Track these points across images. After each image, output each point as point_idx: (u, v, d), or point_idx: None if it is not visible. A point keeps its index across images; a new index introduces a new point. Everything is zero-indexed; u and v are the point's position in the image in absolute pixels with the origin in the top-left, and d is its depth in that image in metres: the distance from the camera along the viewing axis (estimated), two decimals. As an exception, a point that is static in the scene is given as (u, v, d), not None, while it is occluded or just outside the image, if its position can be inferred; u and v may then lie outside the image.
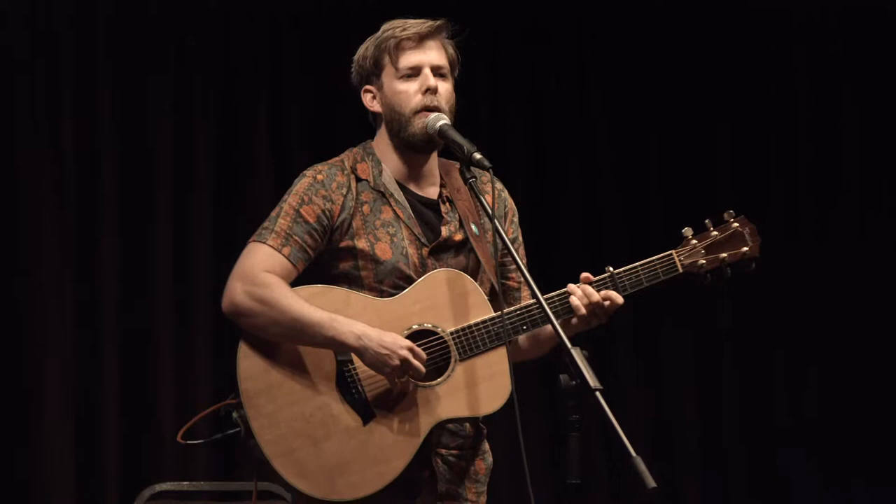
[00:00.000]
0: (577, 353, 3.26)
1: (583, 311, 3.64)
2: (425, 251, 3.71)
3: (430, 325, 3.65)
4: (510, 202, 3.84)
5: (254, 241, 3.67)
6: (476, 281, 3.71)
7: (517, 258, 3.48)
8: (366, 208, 3.70)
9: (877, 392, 6.51)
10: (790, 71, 6.64)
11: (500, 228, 3.57)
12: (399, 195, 3.73)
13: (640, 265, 3.73)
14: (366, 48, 3.76)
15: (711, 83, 6.56)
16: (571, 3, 6.47)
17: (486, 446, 3.81)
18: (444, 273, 3.69)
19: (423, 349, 3.60)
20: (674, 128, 6.55)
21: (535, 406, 6.09)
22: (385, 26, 3.75)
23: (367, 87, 3.77)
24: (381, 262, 3.67)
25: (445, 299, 3.66)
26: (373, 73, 3.74)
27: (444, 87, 3.72)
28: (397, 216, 3.71)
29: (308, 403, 3.60)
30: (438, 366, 3.64)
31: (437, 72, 3.72)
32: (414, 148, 3.72)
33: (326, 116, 5.94)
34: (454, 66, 3.77)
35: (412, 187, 3.76)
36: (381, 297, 3.66)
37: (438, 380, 3.64)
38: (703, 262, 3.76)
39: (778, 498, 6.53)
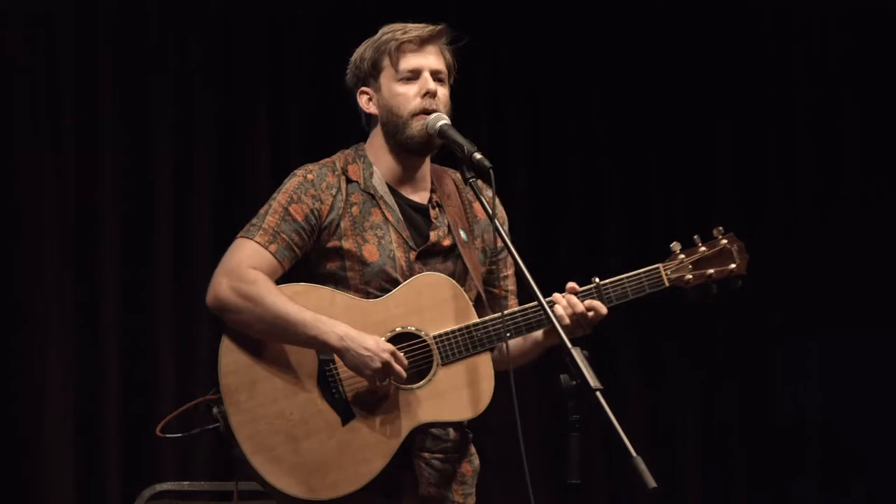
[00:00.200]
0: (577, 353, 3.27)
1: (566, 320, 3.64)
2: (413, 255, 3.71)
3: (413, 329, 3.66)
4: (501, 210, 3.83)
5: (241, 236, 3.68)
6: (462, 287, 3.71)
7: (517, 259, 3.48)
8: (355, 210, 3.71)
9: (877, 392, 6.51)
10: (790, 71, 6.64)
11: (499, 228, 3.57)
12: (389, 198, 3.74)
13: (626, 277, 3.74)
14: (363, 50, 3.77)
15: (711, 83, 6.56)
16: (571, 4, 6.47)
17: (473, 449, 3.82)
18: (430, 277, 3.69)
19: (406, 352, 3.61)
20: (674, 128, 6.56)
21: (534, 406, 6.09)
22: (384, 29, 3.76)
23: (364, 88, 3.77)
24: (368, 264, 3.68)
25: (430, 303, 3.66)
26: (370, 75, 3.75)
27: (442, 92, 3.73)
28: (386, 219, 3.72)
29: (288, 401, 3.60)
30: (421, 369, 3.64)
31: (435, 76, 3.73)
32: (411, 150, 3.73)
33: (326, 116, 5.94)
34: (451, 72, 3.78)
35: (403, 191, 3.77)
36: (367, 298, 3.66)
37: (420, 383, 3.64)
38: (690, 277, 3.77)
39: (778, 498, 6.53)
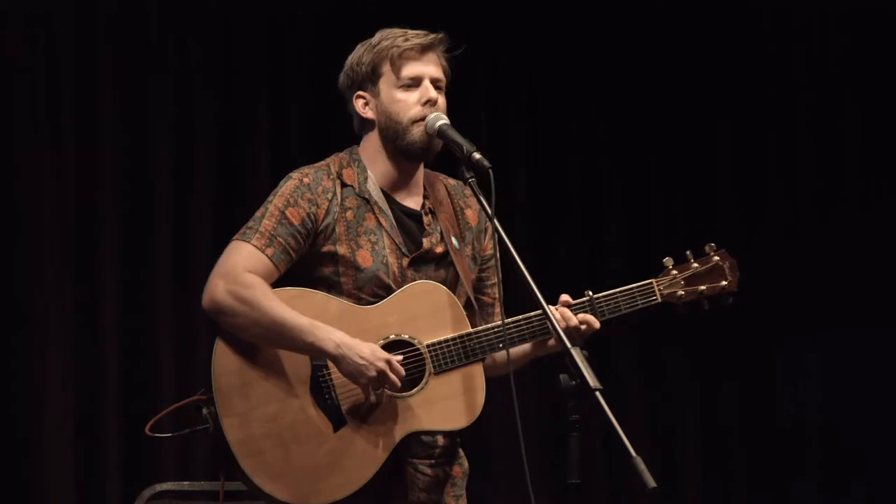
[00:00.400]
0: (577, 354, 3.27)
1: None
2: (405, 261, 3.71)
3: (406, 337, 3.66)
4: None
5: (237, 239, 3.67)
6: (454, 294, 3.71)
7: (520, 265, 3.47)
8: (349, 214, 3.70)
9: (877, 392, 6.51)
10: (790, 71, 6.64)
11: (499, 228, 3.57)
12: (383, 203, 3.74)
13: (620, 292, 3.76)
14: (360, 54, 3.76)
15: (711, 83, 6.56)
16: (571, 4, 6.47)
17: (461, 452, 3.82)
18: (425, 285, 3.69)
19: (398, 360, 3.60)
20: (674, 128, 6.56)
21: (534, 407, 6.09)
22: (382, 34, 3.75)
23: (361, 93, 3.76)
24: (362, 270, 3.67)
25: (424, 311, 3.66)
26: (368, 80, 3.74)
27: (442, 100, 3.73)
28: (380, 224, 3.72)
29: (281, 405, 3.60)
30: (413, 377, 3.64)
31: (435, 84, 3.73)
32: (410, 156, 3.73)
33: (326, 116, 5.94)
34: (448, 79, 3.78)
35: (397, 196, 3.77)
36: (360, 304, 3.66)
37: (412, 391, 3.64)
38: (682, 293, 3.80)
39: (778, 498, 6.53)
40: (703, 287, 3.80)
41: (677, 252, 3.82)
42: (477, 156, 3.58)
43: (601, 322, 3.71)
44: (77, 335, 5.75)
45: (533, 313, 3.68)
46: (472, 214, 3.82)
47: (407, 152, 3.72)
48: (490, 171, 3.57)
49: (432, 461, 3.73)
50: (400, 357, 3.61)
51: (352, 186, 3.73)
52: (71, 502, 5.68)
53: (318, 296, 3.65)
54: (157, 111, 5.90)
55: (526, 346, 3.74)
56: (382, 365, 3.55)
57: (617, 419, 3.15)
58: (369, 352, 3.56)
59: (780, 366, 6.60)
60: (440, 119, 3.69)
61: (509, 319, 3.70)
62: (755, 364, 6.57)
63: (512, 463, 5.94)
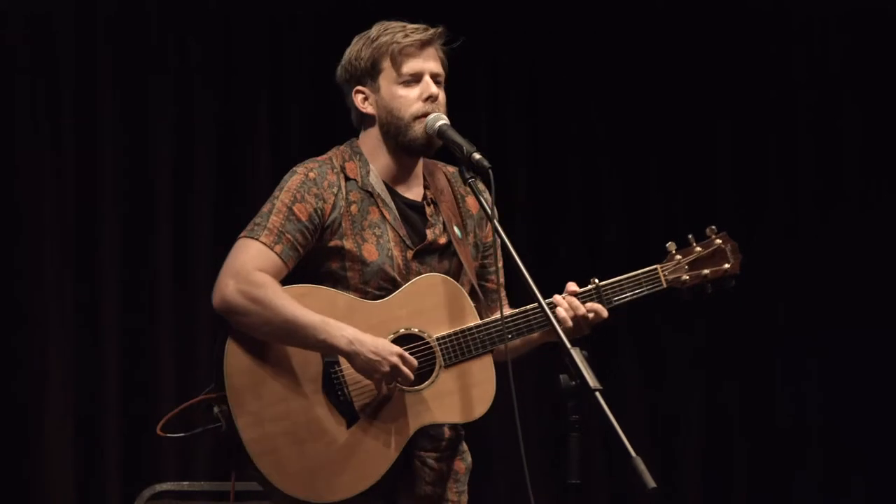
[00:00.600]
0: (576, 354, 3.27)
1: (569, 322, 3.66)
2: (410, 254, 3.71)
3: (416, 330, 3.66)
4: (494, 209, 3.83)
5: (245, 236, 3.66)
6: (458, 283, 3.72)
7: (517, 260, 3.47)
8: (354, 208, 3.70)
9: (877, 392, 6.51)
10: (790, 71, 6.64)
11: (499, 228, 3.58)
12: (386, 196, 3.74)
13: (625, 279, 3.76)
14: (358, 49, 3.75)
15: (711, 83, 6.56)
16: (571, 4, 6.47)
17: (465, 447, 3.82)
18: (432, 278, 3.69)
19: (409, 354, 3.60)
20: (674, 128, 6.56)
21: (534, 407, 6.09)
22: (379, 28, 3.75)
23: (360, 87, 3.76)
24: (368, 264, 3.67)
25: (433, 304, 3.66)
26: (367, 75, 3.74)
27: (442, 95, 3.73)
28: (384, 217, 3.72)
29: (293, 403, 3.60)
30: (424, 370, 3.64)
31: (435, 79, 3.73)
32: (412, 151, 3.73)
33: (326, 116, 5.93)
34: (446, 74, 3.78)
35: (399, 189, 3.77)
36: (366, 298, 3.66)
37: (423, 385, 3.64)
38: (686, 277, 3.80)
39: (778, 498, 6.53)
40: (706, 271, 3.80)
41: (680, 236, 3.82)
42: (477, 156, 3.58)
43: (608, 309, 3.70)
44: (77, 335, 5.75)
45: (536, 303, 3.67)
46: (472, 202, 3.82)
47: (409, 148, 3.72)
48: (490, 171, 3.57)
49: (438, 454, 3.73)
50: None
51: (355, 180, 3.73)
52: (71, 502, 5.68)
53: (327, 292, 3.65)
54: (157, 111, 5.90)
55: (536, 335, 3.73)
56: (395, 360, 3.55)
57: (617, 419, 3.14)
58: (381, 347, 3.56)
59: (781, 365, 6.60)
60: (440, 119, 3.69)
61: (518, 309, 3.70)
62: (755, 364, 6.57)
63: (512, 463, 5.94)
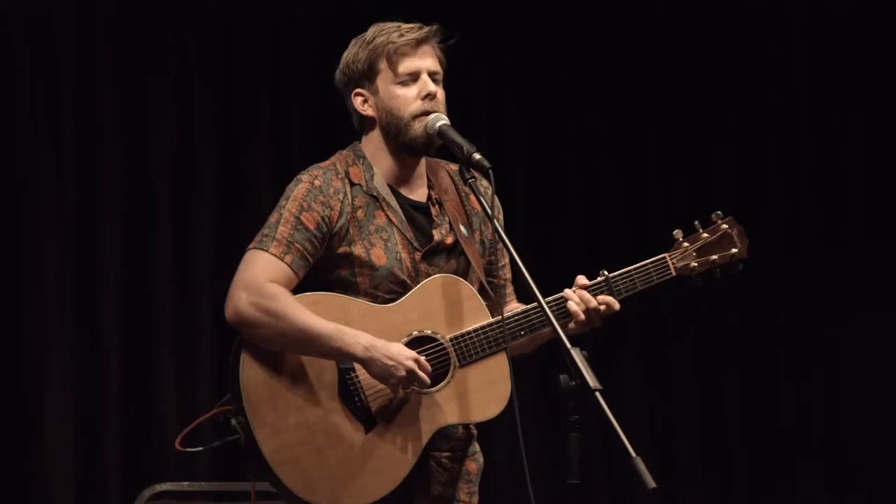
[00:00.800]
0: (576, 354, 3.27)
1: (581, 316, 3.66)
2: (418, 255, 3.71)
3: (429, 332, 3.66)
4: (496, 202, 3.83)
5: (255, 248, 3.65)
6: (467, 281, 3.72)
7: (516, 258, 3.48)
8: (360, 213, 3.70)
9: (879, 391, 6.50)
10: (790, 71, 6.63)
11: (499, 228, 3.58)
12: (391, 199, 3.73)
13: (635, 269, 3.76)
14: (355, 52, 3.75)
15: (711, 84, 6.56)
16: (571, 4, 6.47)
17: (477, 447, 3.82)
18: (442, 279, 3.69)
19: (424, 356, 3.61)
20: (674, 128, 6.56)
21: (534, 407, 6.09)
22: (375, 30, 3.75)
23: (359, 90, 3.76)
24: (377, 268, 3.67)
25: (444, 305, 3.66)
26: (365, 77, 3.74)
27: (441, 93, 3.73)
28: (390, 221, 3.71)
29: (311, 412, 3.60)
30: (439, 372, 3.64)
31: (433, 77, 3.73)
32: (413, 151, 3.73)
33: (326, 116, 5.93)
34: (444, 71, 3.77)
35: (403, 190, 3.76)
36: (376, 302, 3.66)
37: (438, 386, 3.64)
38: (695, 264, 3.80)
39: (778, 498, 6.53)
40: (714, 256, 3.80)
41: (686, 224, 3.82)
42: (477, 156, 3.58)
43: (619, 301, 3.70)
44: (77, 335, 5.75)
45: (552, 297, 3.67)
46: (473, 200, 3.81)
47: (409, 147, 3.72)
48: (490, 171, 3.57)
49: (452, 454, 3.74)
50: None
51: (360, 185, 3.72)
52: (71, 502, 5.68)
53: (339, 298, 3.65)
54: (157, 111, 5.90)
55: (548, 329, 3.72)
56: (411, 364, 3.55)
57: (617, 419, 3.14)
58: (397, 352, 3.56)
59: (782, 365, 6.59)
60: (440, 119, 3.69)
61: (528, 305, 3.70)
62: (756, 363, 6.56)
63: (512, 463, 5.94)
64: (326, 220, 3.66)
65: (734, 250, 3.83)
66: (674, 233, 3.82)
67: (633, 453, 3.11)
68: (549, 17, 6.46)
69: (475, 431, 3.81)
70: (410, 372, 3.55)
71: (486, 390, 3.66)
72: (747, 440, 6.54)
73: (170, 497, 5.02)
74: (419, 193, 3.78)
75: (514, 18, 6.42)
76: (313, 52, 6.07)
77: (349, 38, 3.84)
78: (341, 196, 3.69)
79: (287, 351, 3.60)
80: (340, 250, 3.67)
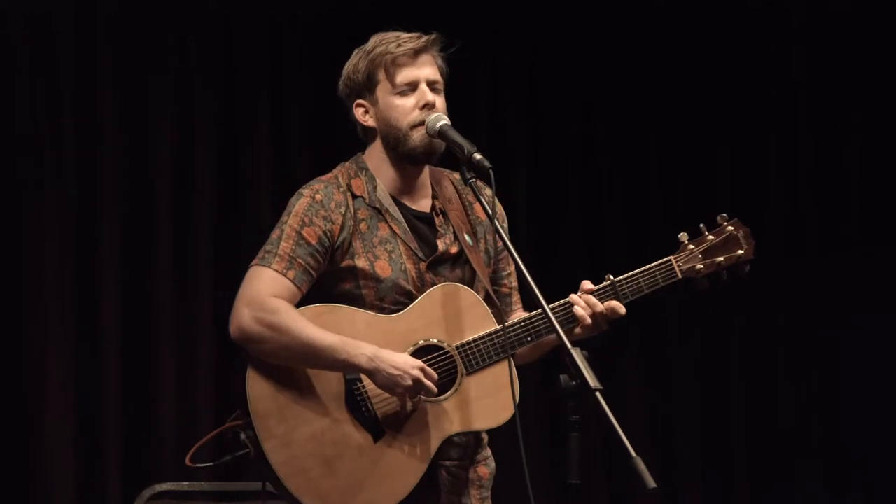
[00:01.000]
0: (577, 354, 3.27)
1: (588, 321, 3.67)
2: (423, 266, 3.72)
3: (435, 341, 3.66)
4: (500, 208, 3.83)
5: (257, 264, 3.66)
6: (473, 290, 3.72)
7: (520, 265, 3.47)
8: (363, 226, 3.70)
9: (879, 391, 6.50)
10: (790, 71, 6.63)
11: (500, 230, 3.57)
12: (394, 210, 3.74)
13: (640, 272, 3.75)
14: (355, 63, 3.76)
15: (711, 84, 6.56)
16: (571, 4, 6.47)
17: (488, 452, 3.83)
18: (447, 287, 3.70)
19: (430, 364, 3.61)
20: (674, 128, 6.56)
21: (534, 407, 6.09)
22: (374, 40, 3.75)
23: (360, 101, 3.77)
24: (382, 280, 3.68)
25: (449, 314, 3.67)
26: (365, 88, 3.75)
27: (440, 102, 3.73)
28: (394, 232, 3.72)
29: (318, 423, 3.60)
30: (445, 380, 3.65)
31: (432, 86, 3.73)
32: (413, 161, 3.73)
33: (326, 116, 5.93)
34: (446, 79, 3.78)
35: (406, 201, 3.77)
36: (382, 313, 3.66)
37: (446, 394, 3.65)
38: (701, 266, 3.79)
39: (779, 498, 6.53)
40: (720, 258, 3.80)
41: (687, 224, 3.82)
42: (478, 156, 3.58)
43: (624, 304, 3.70)
44: (77, 335, 5.75)
45: (558, 302, 3.67)
46: (481, 208, 3.80)
47: (409, 157, 3.72)
48: (490, 171, 3.57)
49: (462, 462, 3.74)
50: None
51: (362, 197, 3.73)
52: (71, 502, 5.68)
53: (344, 310, 3.65)
54: (157, 111, 5.90)
55: (553, 336, 3.73)
56: (417, 373, 3.56)
57: (617, 419, 3.14)
58: (402, 361, 3.57)
59: (782, 365, 6.59)
60: (441, 120, 3.69)
61: (533, 312, 3.70)
62: (756, 363, 6.56)
63: (512, 463, 5.93)
64: (328, 234, 3.66)
65: (740, 252, 3.82)
66: (679, 235, 3.81)
67: (633, 453, 3.11)
68: (549, 17, 6.46)
69: (485, 437, 3.82)
70: (416, 381, 3.56)
71: (494, 397, 3.66)
72: (747, 440, 6.54)
73: (170, 497, 5.02)
74: (423, 204, 3.79)
75: (514, 18, 6.42)
76: (313, 52, 6.06)
77: (349, 39, 3.84)
78: (343, 209, 3.69)
79: (292, 365, 3.61)
80: (344, 264, 3.68)
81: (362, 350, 3.57)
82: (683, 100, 6.55)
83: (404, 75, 3.71)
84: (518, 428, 3.51)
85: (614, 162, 6.55)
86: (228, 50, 6.03)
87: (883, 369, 6.50)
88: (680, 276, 3.79)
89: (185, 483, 5.11)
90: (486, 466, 3.81)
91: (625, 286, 3.73)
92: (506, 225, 3.79)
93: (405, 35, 3.74)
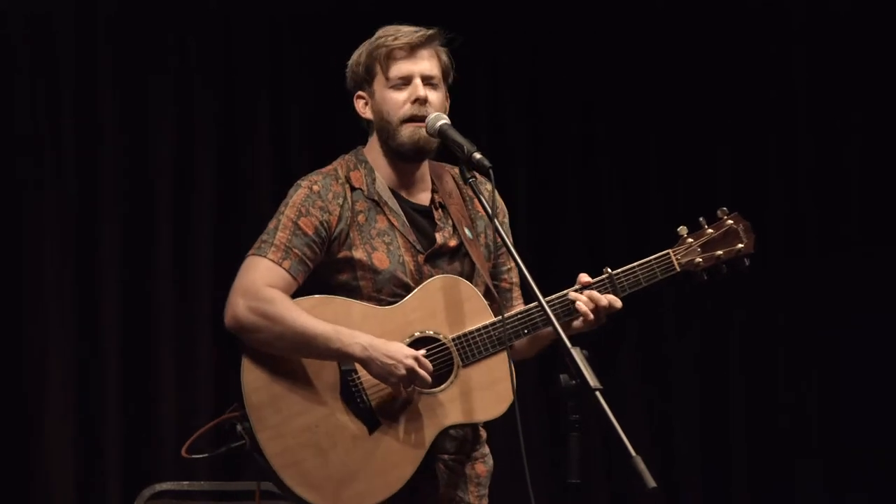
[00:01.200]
0: (577, 353, 3.26)
1: (591, 316, 3.67)
2: (421, 258, 3.72)
3: (431, 332, 3.66)
4: (501, 203, 3.84)
5: (253, 254, 3.66)
6: (472, 284, 3.72)
7: (517, 259, 3.48)
8: (361, 218, 3.71)
9: (879, 391, 6.50)
10: (790, 71, 6.63)
11: (499, 228, 3.57)
12: (393, 203, 3.74)
13: (638, 265, 3.75)
14: (359, 55, 3.78)
15: (711, 84, 6.56)
16: (571, 4, 6.47)
17: (486, 449, 3.83)
18: (444, 280, 3.69)
19: (426, 356, 3.61)
20: (674, 128, 6.56)
21: (534, 406, 6.09)
22: (379, 33, 3.76)
23: (360, 93, 3.78)
24: (379, 272, 3.67)
25: (446, 306, 3.66)
26: (365, 81, 3.76)
27: (436, 97, 3.73)
28: (392, 225, 3.72)
29: (313, 414, 3.60)
30: (441, 372, 3.64)
31: (427, 81, 3.72)
32: (401, 157, 3.73)
33: (326, 116, 5.94)
34: (447, 74, 3.77)
35: (405, 194, 3.77)
36: (380, 305, 3.66)
37: (442, 386, 3.64)
38: (700, 260, 3.79)
39: (779, 498, 6.53)
40: (719, 252, 3.80)
41: (691, 221, 3.82)
42: (477, 156, 3.58)
43: (621, 298, 3.70)
44: (77, 335, 5.75)
45: (555, 295, 3.67)
46: (478, 203, 3.81)
47: (397, 152, 3.73)
48: (490, 170, 3.57)
49: (460, 456, 3.74)
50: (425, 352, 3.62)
51: (361, 189, 3.73)
52: (71, 502, 5.68)
53: (340, 301, 3.65)
54: (157, 111, 5.90)
55: (549, 329, 3.72)
56: (411, 362, 3.55)
57: (617, 419, 3.14)
58: (396, 350, 3.56)
59: (782, 365, 6.59)
60: (441, 119, 3.69)
61: (529, 305, 3.70)
62: (756, 363, 6.56)
63: (512, 463, 5.93)
64: (325, 224, 3.66)
65: (740, 245, 3.82)
66: (678, 229, 3.81)
67: (632, 453, 3.11)
68: (549, 17, 6.46)
69: (484, 433, 3.82)
70: (410, 370, 3.55)
71: (490, 390, 3.66)
72: (747, 440, 6.54)
73: (170, 497, 5.02)
74: (422, 197, 3.79)
75: (514, 18, 6.42)
76: (313, 52, 6.06)
77: (349, 39, 3.85)
78: (340, 201, 3.69)
79: (287, 354, 3.61)
80: (341, 255, 3.68)
81: (357, 339, 3.56)
82: (683, 100, 6.55)
83: (398, 69, 3.72)
84: (518, 428, 3.51)
85: (614, 162, 6.55)
86: (228, 50, 6.03)
87: (883, 369, 6.50)
88: (678, 269, 3.79)
89: (185, 483, 5.12)
90: (483, 464, 3.81)
91: (622, 279, 3.73)
92: (507, 220, 3.80)
93: (406, 29, 3.74)
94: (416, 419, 3.62)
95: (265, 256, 3.63)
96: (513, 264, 3.86)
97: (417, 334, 3.65)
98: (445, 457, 3.71)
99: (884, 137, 6.60)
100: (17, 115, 5.74)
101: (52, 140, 5.77)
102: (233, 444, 3.63)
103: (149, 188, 5.89)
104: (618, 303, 3.70)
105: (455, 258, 3.76)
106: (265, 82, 6.07)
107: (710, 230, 3.81)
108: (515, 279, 3.87)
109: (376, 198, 3.73)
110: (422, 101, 3.70)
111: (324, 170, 3.76)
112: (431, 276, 3.70)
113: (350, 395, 3.62)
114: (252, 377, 3.61)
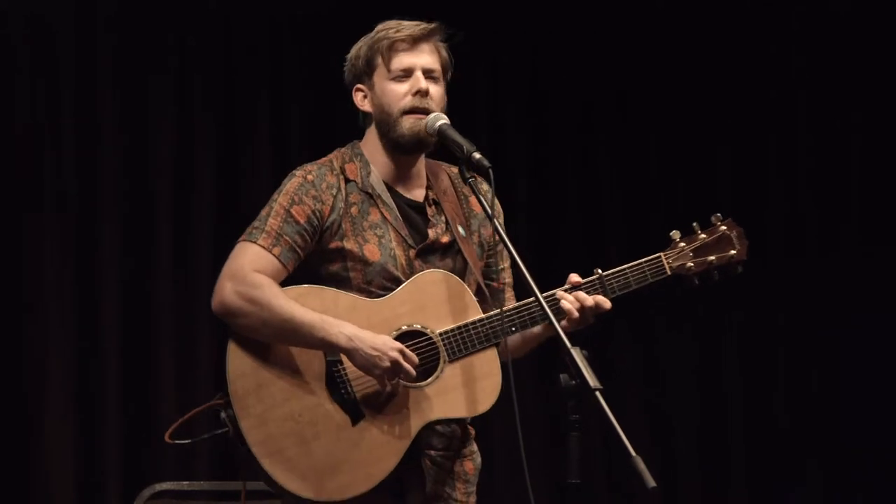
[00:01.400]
0: (576, 353, 3.26)
1: (575, 314, 3.66)
2: (412, 253, 3.72)
3: (419, 326, 3.66)
4: (496, 203, 3.83)
5: (244, 240, 3.67)
6: (463, 282, 3.72)
7: (516, 256, 3.47)
8: (354, 210, 3.71)
9: (879, 391, 6.50)
10: (790, 71, 6.63)
11: (499, 227, 3.58)
12: (386, 196, 3.74)
13: (629, 268, 3.75)
14: (359, 48, 3.78)
15: (711, 84, 6.56)
16: (571, 4, 6.47)
17: (475, 447, 3.83)
18: (434, 274, 3.70)
19: (412, 350, 3.61)
20: (674, 129, 6.56)
21: (534, 405, 6.09)
22: (379, 27, 3.77)
23: (359, 86, 3.78)
24: (370, 264, 3.68)
25: (434, 300, 3.67)
26: (364, 73, 3.76)
27: (436, 90, 3.73)
28: (385, 218, 3.72)
29: (297, 403, 3.60)
30: (427, 367, 3.64)
31: (428, 74, 3.73)
32: (401, 149, 3.73)
33: (326, 116, 5.94)
34: (447, 69, 3.78)
35: (399, 189, 3.77)
36: (370, 297, 3.66)
37: (428, 380, 3.64)
38: (691, 264, 3.79)
39: (779, 498, 6.53)
40: (712, 257, 3.80)
41: (691, 221, 3.82)
42: (477, 156, 3.58)
43: (611, 299, 3.70)
44: (77, 335, 5.75)
45: (542, 295, 3.67)
46: (476, 202, 3.80)
47: (397, 144, 3.73)
48: (490, 170, 3.57)
49: (447, 452, 3.73)
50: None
51: (355, 182, 3.74)
52: (71, 502, 5.68)
53: (328, 291, 3.65)
54: (156, 111, 5.90)
55: (538, 328, 3.73)
56: (395, 354, 3.55)
57: (616, 419, 3.14)
58: (381, 342, 3.56)
59: (782, 365, 6.59)
60: (440, 119, 3.69)
61: (520, 302, 3.70)
62: (756, 363, 6.56)
63: (512, 462, 5.94)
64: (317, 213, 3.67)
65: (733, 252, 3.82)
66: (671, 233, 3.82)
67: (632, 453, 3.11)
68: (549, 17, 6.46)
69: (473, 431, 3.81)
70: (395, 363, 3.55)
71: (475, 386, 3.66)
72: (747, 440, 6.54)
73: (170, 497, 5.02)
74: (416, 193, 3.79)
75: (514, 18, 6.42)
76: (313, 52, 6.07)
77: (349, 38, 3.85)
78: (334, 191, 3.70)
79: (272, 341, 3.60)
80: (332, 245, 3.68)
81: (342, 329, 3.56)
82: (683, 100, 6.55)
83: (400, 61, 3.72)
84: (518, 427, 3.51)
85: (614, 162, 6.55)
86: (228, 50, 6.04)
87: (883, 369, 6.50)
88: (669, 272, 3.79)
89: (184, 483, 5.12)
90: (472, 461, 3.81)
91: (612, 281, 3.73)
92: (501, 219, 3.79)
93: (408, 22, 3.75)
94: (400, 412, 3.62)
95: (255, 242, 3.64)
96: (506, 265, 3.87)
97: (405, 327, 3.65)
98: (433, 453, 3.71)
99: (884, 137, 6.60)
100: (17, 115, 5.74)
101: (52, 140, 5.77)
102: (216, 431, 3.62)
103: (149, 188, 5.89)
104: (606, 304, 3.69)
105: (447, 255, 3.76)
106: (265, 82, 6.07)
107: (702, 235, 3.82)
108: (508, 279, 3.87)
109: (370, 191, 3.73)
110: (423, 94, 3.70)
111: (319, 161, 3.77)
112: (422, 270, 3.70)
113: (335, 385, 3.62)
114: (237, 364, 3.61)
